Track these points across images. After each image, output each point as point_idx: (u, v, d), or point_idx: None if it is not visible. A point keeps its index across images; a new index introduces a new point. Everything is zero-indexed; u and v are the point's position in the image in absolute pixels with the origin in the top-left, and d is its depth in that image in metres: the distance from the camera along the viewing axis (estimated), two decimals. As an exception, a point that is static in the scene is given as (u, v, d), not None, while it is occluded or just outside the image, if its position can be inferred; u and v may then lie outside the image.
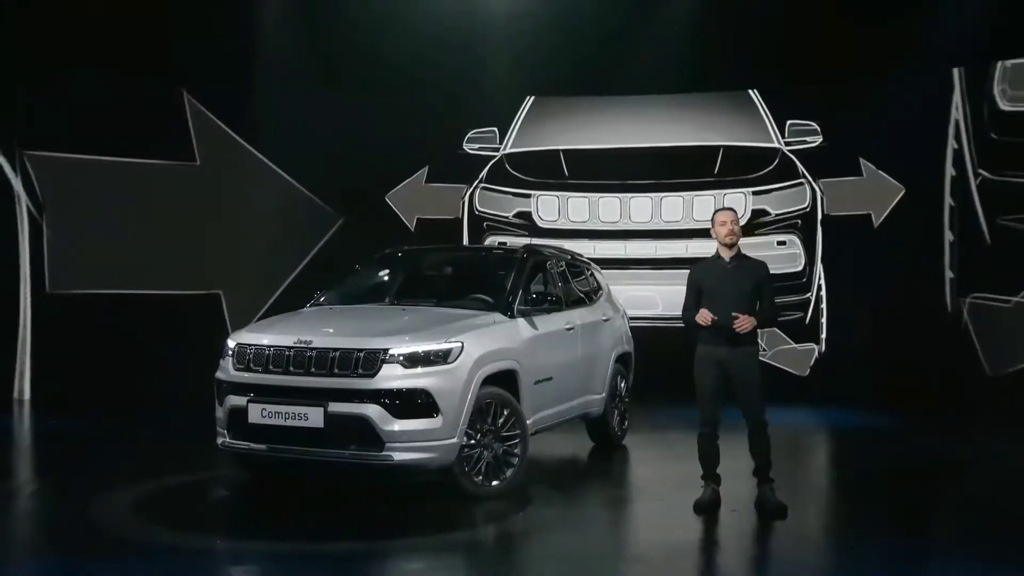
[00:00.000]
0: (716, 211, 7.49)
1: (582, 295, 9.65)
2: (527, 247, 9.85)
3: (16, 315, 12.99)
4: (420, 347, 7.20)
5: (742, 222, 13.26)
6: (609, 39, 14.12)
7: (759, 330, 7.34)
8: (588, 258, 10.77)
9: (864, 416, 12.18)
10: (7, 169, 12.88)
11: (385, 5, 13.86)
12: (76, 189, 13.21)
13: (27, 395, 12.94)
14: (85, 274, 13.24)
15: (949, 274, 13.17)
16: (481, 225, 14.36)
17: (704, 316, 7.10)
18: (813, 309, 13.72)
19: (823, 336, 13.71)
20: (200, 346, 10.58)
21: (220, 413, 7.62)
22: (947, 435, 11.06)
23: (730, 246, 7.30)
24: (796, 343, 13.68)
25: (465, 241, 14.22)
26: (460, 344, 7.33)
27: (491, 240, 14.17)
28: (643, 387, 11.12)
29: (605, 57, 14.18)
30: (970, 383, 12.60)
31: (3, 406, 12.39)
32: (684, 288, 7.45)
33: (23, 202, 12.98)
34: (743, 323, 7.07)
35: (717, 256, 7.36)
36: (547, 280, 9.04)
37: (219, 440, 7.67)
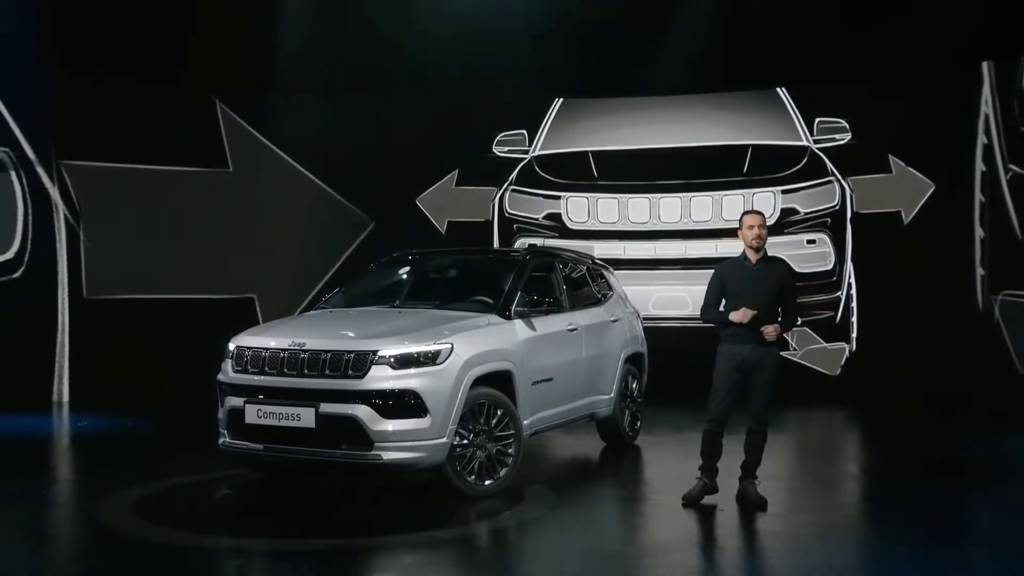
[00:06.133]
0: (744, 213, 7.48)
1: (589, 295, 9.66)
2: (531, 248, 9.92)
3: (55, 320, 13.37)
4: (409, 348, 7.30)
5: (771, 221, 13.63)
6: (636, 40, 14.17)
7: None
8: (604, 258, 10.80)
9: (894, 415, 12.01)
10: (45, 179, 13.26)
11: (414, 10, 14.06)
12: (112, 197, 13.57)
13: (66, 397, 13.30)
14: (121, 280, 13.59)
15: (980, 271, 12.97)
16: (511, 227, 14.45)
17: (745, 314, 7.12)
18: (843, 308, 13.59)
19: (854, 335, 13.57)
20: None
21: (221, 414, 7.84)
22: (977, 433, 10.82)
23: (757, 249, 7.32)
24: (827, 342, 13.55)
25: (496, 243, 14.31)
26: (450, 345, 7.41)
27: (521, 242, 14.21)
28: (670, 387, 11.10)
29: (632, 58, 14.23)
30: (1001, 381, 12.37)
31: (43, 408, 12.74)
32: None
33: (60, 210, 13.35)
34: (772, 333, 7.15)
35: (744, 257, 7.37)
36: (550, 281, 9.07)
37: (220, 440, 7.88)
